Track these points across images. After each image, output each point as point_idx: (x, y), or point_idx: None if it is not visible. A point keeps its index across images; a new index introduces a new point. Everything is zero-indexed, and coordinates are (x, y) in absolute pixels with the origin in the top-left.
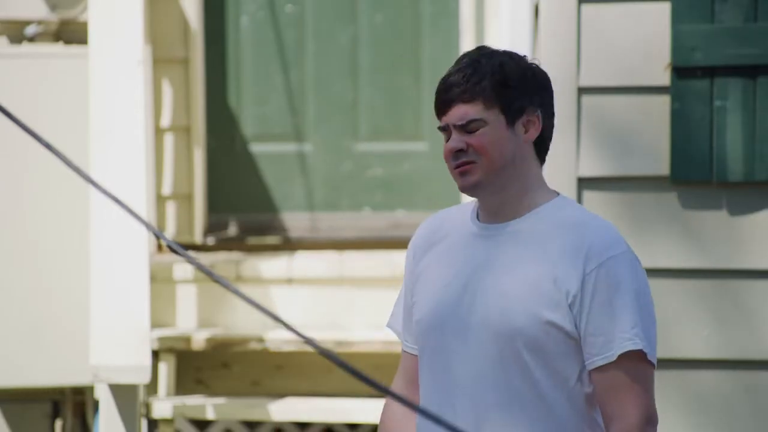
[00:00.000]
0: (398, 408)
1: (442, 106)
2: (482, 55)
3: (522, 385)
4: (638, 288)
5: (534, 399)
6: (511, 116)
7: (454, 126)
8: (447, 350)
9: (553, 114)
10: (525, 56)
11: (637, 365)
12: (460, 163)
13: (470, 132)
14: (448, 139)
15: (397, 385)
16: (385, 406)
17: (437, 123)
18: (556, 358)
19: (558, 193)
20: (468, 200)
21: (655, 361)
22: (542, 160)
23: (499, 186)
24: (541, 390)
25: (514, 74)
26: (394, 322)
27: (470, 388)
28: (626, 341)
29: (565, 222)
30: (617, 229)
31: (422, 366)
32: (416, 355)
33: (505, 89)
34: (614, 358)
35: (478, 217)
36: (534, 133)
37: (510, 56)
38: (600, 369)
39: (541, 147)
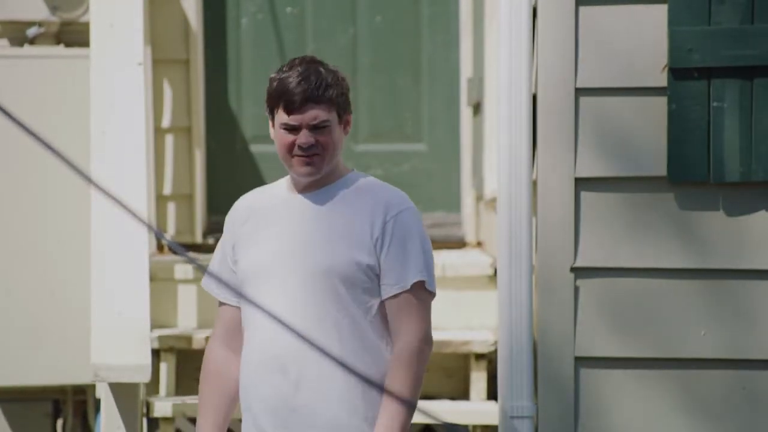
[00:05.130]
0: (221, 351)
1: (295, 106)
2: (318, 64)
3: (337, 314)
4: (422, 235)
5: (346, 323)
6: (342, 118)
7: (307, 125)
8: (273, 291)
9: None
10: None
11: (421, 293)
12: (310, 154)
13: (318, 130)
14: (289, 132)
15: (218, 332)
16: (208, 349)
17: (435, 123)
18: (364, 291)
19: (353, 169)
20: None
21: (434, 290)
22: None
23: (331, 166)
24: (352, 316)
25: (345, 85)
26: (209, 283)
27: (297, 317)
28: (417, 273)
29: (364, 186)
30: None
31: (246, 311)
32: (235, 307)
33: (341, 97)
34: (408, 287)
35: (293, 190)
36: (348, 129)
37: (334, 68)
38: (394, 296)
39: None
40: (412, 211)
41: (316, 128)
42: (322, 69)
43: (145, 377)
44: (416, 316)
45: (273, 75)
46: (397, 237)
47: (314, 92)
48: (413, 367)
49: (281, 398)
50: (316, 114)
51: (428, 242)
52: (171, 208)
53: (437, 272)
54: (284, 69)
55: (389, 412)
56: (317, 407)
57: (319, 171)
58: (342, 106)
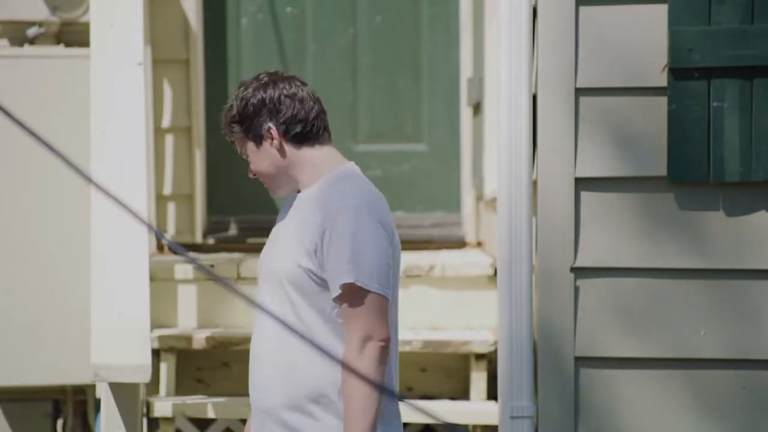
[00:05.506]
0: None
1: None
2: (241, 87)
3: (294, 318)
4: (354, 231)
5: (302, 328)
6: (257, 135)
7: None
8: (260, 291)
9: (280, 109)
10: (248, 83)
11: (354, 294)
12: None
13: (249, 160)
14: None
15: None
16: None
17: (435, 123)
18: (313, 295)
19: (345, 167)
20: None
21: (375, 289)
22: (314, 140)
23: (285, 181)
24: (305, 321)
25: (246, 97)
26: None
27: (264, 322)
28: (342, 275)
29: (319, 189)
30: (365, 187)
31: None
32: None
33: (244, 117)
34: (338, 291)
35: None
36: (271, 135)
37: (236, 95)
38: (336, 301)
39: (302, 135)
40: (351, 211)
41: (247, 159)
42: (237, 93)
43: (145, 377)
44: (355, 318)
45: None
46: (331, 241)
47: (226, 130)
48: (351, 379)
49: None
50: (240, 146)
51: (362, 237)
52: (171, 208)
53: (437, 272)
54: None
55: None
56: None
57: (275, 191)
58: (249, 126)
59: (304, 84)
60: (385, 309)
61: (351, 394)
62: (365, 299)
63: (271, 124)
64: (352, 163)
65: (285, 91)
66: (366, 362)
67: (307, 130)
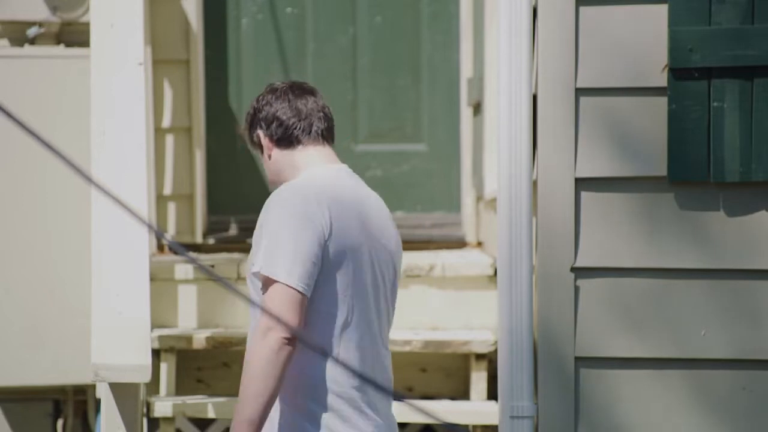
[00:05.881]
0: None
1: None
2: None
3: (254, 312)
4: (264, 221)
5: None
6: (257, 148)
7: None
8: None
9: (263, 116)
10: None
11: (265, 283)
12: None
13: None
14: None
15: None
16: None
17: (435, 123)
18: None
19: (325, 167)
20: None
21: (280, 278)
22: (297, 141)
23: (273, 186)
24: (255, 313)
25: (253, 106)
26: None
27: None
28: (256, 263)
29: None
30: (309, 183)
31: None
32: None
33: (249, 124)
34: (248, 282)
35: None
36: (267, 149)
37: (264, 90)
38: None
39: (285, 138)
40: (270, 203)
41: None
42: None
43: (145, 377)
44: (265, 306)
45: None
46: (258, 232)
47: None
48: (246, 364)
49: None
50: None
51: (273, 227)
52: (171, 208)
53: (437, 272)
54: None
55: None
56: None
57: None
58: (251, 136)
59: (309, 92)
60: (297, 303)
61: (242, 380)
62: (271, 288)
63: (259, 132)
64: (338, 166)
65: (272, 97)
66: (261, 352)
67: (289, 134)
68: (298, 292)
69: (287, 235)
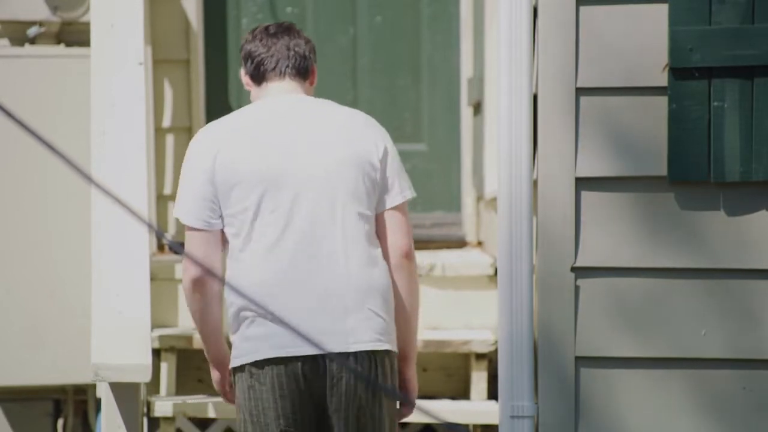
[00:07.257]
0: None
1: None
2: None
3: None
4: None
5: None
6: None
7: None
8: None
9: (243, 55)
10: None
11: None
12: None
13: None
14: None
15: None
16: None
17: (435, 123)
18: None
19: (275, 98)
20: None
21: (182, 219)
22: (263, 77)
23: None
24: None
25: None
26: None
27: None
28: None
29: None
30: (214, 122)
31: None
32: None
33: None
34: None
35: None
36: (246, 85)
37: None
38: None
39: (255, 74)
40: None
41: None
42: None
43: (145, 377)
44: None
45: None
46: None
47: None
48: None
49: None
50: None
51: (182, 172)
52: (171, 207)
53: (438, 272)
54: None
55: None
56: None
57: None
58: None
59: (284, 31)
60: (198, 237)
61: None
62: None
63: (242, 70)
64: (288, 96)
65: (250, 37)
66: (185, 295)
67: (258, 71)
68: (196, 229)
69: (182, 179)
